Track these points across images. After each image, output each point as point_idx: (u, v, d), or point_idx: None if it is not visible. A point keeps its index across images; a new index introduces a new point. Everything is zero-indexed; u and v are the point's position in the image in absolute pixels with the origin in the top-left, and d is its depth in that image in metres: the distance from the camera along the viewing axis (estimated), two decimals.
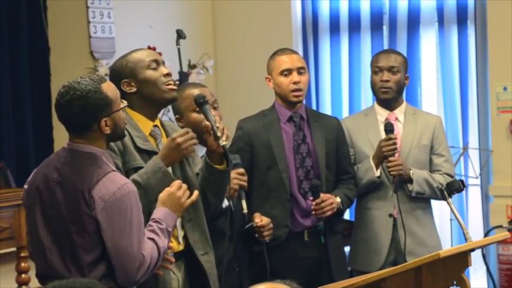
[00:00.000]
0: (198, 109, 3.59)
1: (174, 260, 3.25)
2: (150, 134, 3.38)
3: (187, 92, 3.78)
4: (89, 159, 2.98)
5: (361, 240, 4.51)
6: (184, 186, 3.15)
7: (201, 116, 3.56)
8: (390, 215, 4.41)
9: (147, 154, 3.31)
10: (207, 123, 3.38)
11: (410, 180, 4.38)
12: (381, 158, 4.35)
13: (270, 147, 4.24)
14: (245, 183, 3.81)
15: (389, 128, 4.35)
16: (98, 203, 2.91)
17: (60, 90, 3.00)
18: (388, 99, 4.50)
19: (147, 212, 3.12)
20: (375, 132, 4.50)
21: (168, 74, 3.39)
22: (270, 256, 4.02)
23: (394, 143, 4.32)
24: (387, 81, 4.45)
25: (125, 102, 3.09)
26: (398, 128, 4.50)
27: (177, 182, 3.15)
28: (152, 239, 3.01)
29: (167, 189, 3.14)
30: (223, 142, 3.36)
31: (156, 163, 3.23)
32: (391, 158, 4.31)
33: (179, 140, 3.27)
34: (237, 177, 3.78)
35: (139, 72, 3.35)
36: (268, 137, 4.26)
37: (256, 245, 3.95)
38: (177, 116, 3.82)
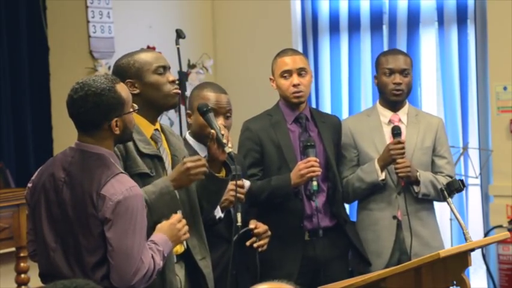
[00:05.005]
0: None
1: None
2: (151, 138, 3.35)
3: (204, 93, 3.80)
4: (97, 160, 2.97)
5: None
6: (184, 221, 3.15)
7: None
8: (394, 217, 4.40)
9: (150, 158, 3.28)
10: (212, 131, 3.36)
11: (417, 182, 4.37)
12: (388, 161, 4.33)
13: (279, 147, 4.23)
14: (242, 196, 3.74)
15: (397, 132, 4.34)
16: (107, 202, 2.90)
17: (74, 86, 2.99)
18: (399, 101, 4.50)
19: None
20: (380, 134, 4.48)
21: (174, 81, 3.35)
22: (277, 257, 4.07)
23: (403, 147, 4.32)
24: (400, 83, 4.44)
25: (136, 106, 3.10)
26: (402, 130, 4.49)
27: (176, 216, 3.15)
28: (151, 254, 3.01)
29: (167, 220, 3.13)
30: (229, 149, 3.35)
31: (165, 185, 3.19)
32: (399, 160, 4.30)
33: (189, 164, 3.23)
34: (235, 189, 3.67)
35: (145, 75, 3.31)
36: (276, 137, 4.24)
37: (249, 250, 3.87)
38: (188, 111, 3.84)
